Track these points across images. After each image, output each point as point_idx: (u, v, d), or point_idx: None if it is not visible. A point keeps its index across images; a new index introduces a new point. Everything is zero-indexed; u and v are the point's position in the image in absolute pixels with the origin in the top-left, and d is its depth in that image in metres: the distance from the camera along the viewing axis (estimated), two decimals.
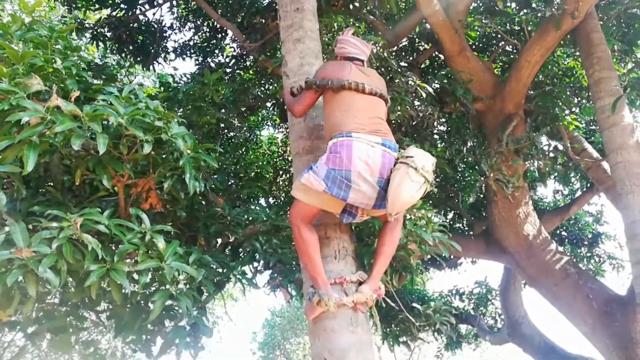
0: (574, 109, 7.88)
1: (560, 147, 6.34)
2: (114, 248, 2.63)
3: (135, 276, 2.54)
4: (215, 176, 3.89)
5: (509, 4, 7.20)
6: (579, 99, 7.55)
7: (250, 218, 4.13)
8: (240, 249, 4.14)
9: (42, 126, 2.07)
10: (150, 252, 2.52)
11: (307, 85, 2.79)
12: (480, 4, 6.89)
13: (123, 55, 8.11)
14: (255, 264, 4.12)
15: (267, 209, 4.33)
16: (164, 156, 2.71)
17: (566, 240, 10.62)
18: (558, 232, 10.45)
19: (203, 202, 3.68)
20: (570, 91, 7.17)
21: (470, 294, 11.08)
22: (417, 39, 7.44)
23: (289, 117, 3.31)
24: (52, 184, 2.68)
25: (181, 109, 4.06)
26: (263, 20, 6.16)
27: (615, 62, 6.89)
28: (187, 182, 2.62)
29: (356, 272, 2.78)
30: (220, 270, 3.55)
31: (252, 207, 5.46)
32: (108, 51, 8.33)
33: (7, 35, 2.38)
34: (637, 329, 5.02)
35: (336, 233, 2.84)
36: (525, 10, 6.66)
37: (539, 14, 5.69)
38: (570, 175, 9.49)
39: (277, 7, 3.78)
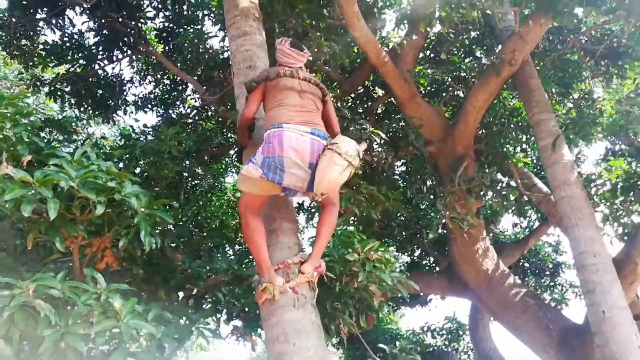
0: (523, 146, 8.33)
1: (513, 184, 6.67)
2: (69, 309, 2.61)
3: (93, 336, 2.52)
4: (174, 230, 3.91)
5: (456, 52, 7.69)
6: (527, 136, 8.00)
7: (212, 269, 4.14)
8: (203, 301, 4.12)
9: None
10: (107, 312, 2.51)
11: (248, 87, 3.08)
12: (429, 54, 7.33)
13: (82, 109, 8.12)
14: (219, 315, 4.10)
15: (229, 259, 4.34)
16: (119, 214, 2.75)
17: (529, 271, 10.91)
18: (521, 263, 10.73)
19: (159, 257, 3.68)
20: (518, 129, 7.61)
21: (441, 330, 11.13)
22: (371, 87, 7.80)
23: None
24: (3, 248, 2.67)
25: (139, 165, 4.11)
26: (222, 73, 6.35)
27: (554, 103, 7.41)
28: (143, 240, 2.65)
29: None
30: (182, 323, 3.53)
31: (217, 256, 5.45)
32: (66, 105, 8.32)
33: None
34: (595, 356, 5.18)
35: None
36: (469, 59, 7.13)
37: (482, 62, 6.11)
38: (526, 208, 9.89)
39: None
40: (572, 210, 4.96)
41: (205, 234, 4.79)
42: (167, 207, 3.03)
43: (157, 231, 3.05)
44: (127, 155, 4.11)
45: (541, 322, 5.82)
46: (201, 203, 6.97)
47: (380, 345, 5.67)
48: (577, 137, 5.54)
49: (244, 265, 4.44)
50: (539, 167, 8.88)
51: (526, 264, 10.91)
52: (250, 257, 7.52)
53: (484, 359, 8.24)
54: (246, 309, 3.92)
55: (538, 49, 6.83)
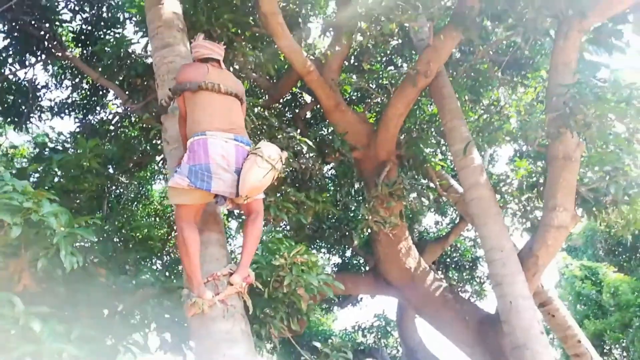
0: (442, 149, 8.88)
1: (432, 185, 7.12)
2: None
3: None
4: (96, 247, 3.81)
5: (378, 61, 8.05)
6: (444, 141, 8.54)
7: (139, 283, 4.08)
8: (130, 317, 4.05)
9: None
10: (25, 336, 2.44)
11: (173, 94, 3.12)
12: (352, 62, 7.61)
13: None
14: (146, 330, 4.05)
15: (156, 272, 4.30)
16: (36, 234, 2.68)
17: (451, 266, 11.61)
18: (443, 259, 11.38)
19: (84, 274, 3.58)
20: (437, 133, 8.11)
21: (371, 328, 11.55)
22: (299, 93, 7.97)
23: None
24: None
25: (56, 178, 3.96)
26: (145, 81, 6.22)
27: (467, 109, 7.98)
28: (63, 260, 2.60)
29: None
30: (108, 342, 3.47)
31: (143, 270, 5.34)
32: None
33: None
34: (505, 343, 5.67)
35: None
36: (390, 68, 7.50)
37: (401, 72, 6.47)
38: (446, 207, 10.54)
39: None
40: (482, 210, 5.41)
41: (130, 246, 4.68)
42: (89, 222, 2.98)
43: (78, 248, 2.99)
44: (42, 170, 3.94)
45: (458, 314, 6.26)
46: (126, 215, 6.76)
47: (314, 343, 5.87)
48: (484, 141, 6.03)
49: (173, 277, 4.41)
50: (455, 170, 9.51)
51: (447, 260, 11.60)
52: (179, 266, 7.42)
53: (410, 353, 8.67)
54: (176, 320, 3.91)
55: (451, 59, 7.33)
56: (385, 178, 6.08)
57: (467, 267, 11.75)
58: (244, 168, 2.84)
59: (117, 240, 5.16)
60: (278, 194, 4.86)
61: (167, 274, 4.21)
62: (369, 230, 6.72)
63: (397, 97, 6.19)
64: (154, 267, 4.88)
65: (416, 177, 6.53)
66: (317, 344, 5.93)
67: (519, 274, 5.08)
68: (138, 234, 5.37)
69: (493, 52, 7.44)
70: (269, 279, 3.69)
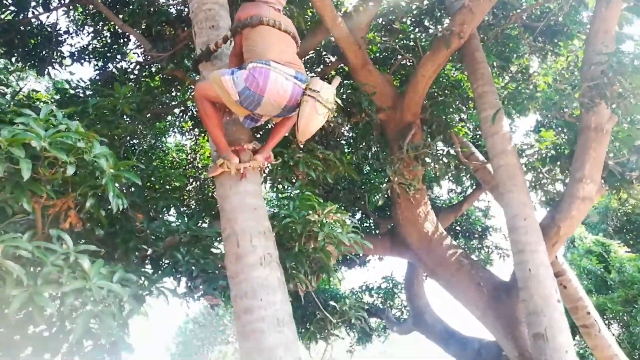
0: (462, 117, 8.79)
1: (452, 152, 7.08)
2: (32, 270, 2.56)
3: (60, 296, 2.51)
4: (132, 190, 3.85)
5: (405, 21, 7.85)
6: (466, 107, 8.43)
7: (169, 230, 4.14)
8: (160, 262, 4.13)
9: None
10: (75, 272, 2.50)
11: (233, 32, 3.13)
12: (381, 22, 7.42)
13: (13, 59, 7.51)
14: (177, 275, 4.13)
15: (185, 219, 4.35)
16: (84, 175, 2.70)
17: (460, 234, 11.70)
18: (453, 227, 11.47)
19: (120, 218, 3.64)
20: (459, 100, 8.00)
21: (378, 289, 11.77)
22: (323, 52, 7.81)
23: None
24: None
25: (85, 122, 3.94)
26: (172, 30, 6.10)
27: (494, 76, 7.82)
28: (111, 201, 2.63)
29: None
30: (142, 284, 3.55)
31: (166, 217, 5.41)
32: None
33: None
34: (520, 310, 5.78)
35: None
36: (418, 29, 7.32)
37: (432, 33, 6.31)
38: (462, 175, 10.53)
39: (187, 17, 3.90)
40: (508, 177, 5.39)
41: (158, 195, 4.72)
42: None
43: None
44: (77, 113, 3.93)
45: (473, 279, 6.36)
46: (155, 164, 6.78)
47: (331, 302, 6.03)
48: (515, 110, 5.95)
49: (199, 225, 4.47)
50: (475, 137, 9.44)
51: (458, 227, 11.68)
52: (204, 217, 7.51)
53: (418, 315, 8.87)
54: (205, 269, 3.98)
55: (482, 23, 7.14)
56: (410, 141, 6.04)
57: (476, 235, 11.86)
58: (304, 114, 2.87)
59: (147, 187, 5.21)
60: (306, 151, 4.85)
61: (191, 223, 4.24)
62: (388, 194, 6.75)
63: (427, 58, 6.07)
64: (183, 216, 4.92)
65: (442, 142, 6.47)
66: (334, 304, 6.12)
67: (541, 242, 5.12)
68: (162, 183, 5.39)
69: (526, 18, 7.23)
70: (301, 233, 3.74)
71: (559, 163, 6.54)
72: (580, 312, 6.54)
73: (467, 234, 11.80)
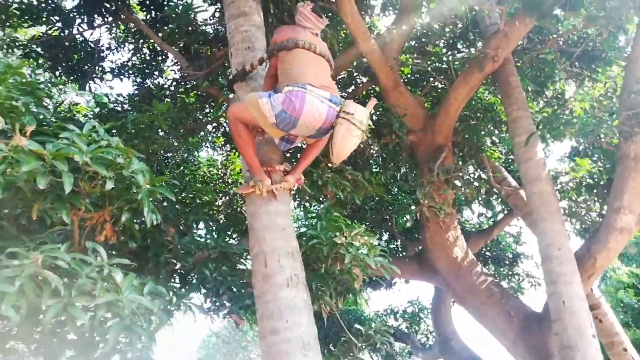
0: (494, 140, 8.65)
1: (484, 176, 6.96)
2: (66, 281, 2.63)
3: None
4: (165, 204, 3.93)
5: (437, 44, 7.84)
6: (498, 130, 8.31)
7: (199, 245, 4.19)
8: (188, 276, 4.18)
9: (4, 165, 2.09)
10: (108, 285, 2.55)
11: (269, 54, 3.21)
12: (414, 44, 7.44)
13: (57, 73, 7.84)
14: (204, 291, 4.17)
15: (214, 235, 4.40)
16: (121, 189, 2.77)
17: (489, 260, 11.40)
18: (482, 252, 11.20)
19: (152, 231, 3.70)
20: (491, 124, 7.89)
21: (404, 313, 11.55)
22: (355, 72, 7.87)
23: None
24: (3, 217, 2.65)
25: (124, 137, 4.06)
26: (209, 49, 6.27)
27: (529, 100, 7.70)
28: (145, 215, 2.69)
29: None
30: (170, 299, 3.59)
31: (195, 232, 5.48)
32: (41, 70, 8.02)
33: None
34: (552, 342, 5.57)
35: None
36: (451, 52, 7.30)
37: (465, 56, 6.29)
38: (493, 199, 10.31)
39: (223, 36, 4.00)
40: (542, 204, 5.26)
41: (189, 209, 4.80)
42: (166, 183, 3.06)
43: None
44: (116, 128, 4.05)
45: (503, 308, 6.17)
46: (187, 179, 6.91)
47: (356, 325, 5.94)
48: (551, 135, 5.83)
49: (227, 241, 4.50)
50: (507, 162, 9.26)
51: (487, 253, 11.40)
52: (230, 232, 7.57)
53: (444, 341, 8.65)
54: (232, 287, 4.00)
55: (517, 47, 7.07)
56: (440, 164, 5.97)
57: (506, 262, 11.54)
58: (338, 136, 2.93)
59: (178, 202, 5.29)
60: (335, 172, 4.85)
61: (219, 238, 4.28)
62: (417, 216, 6.67)
63: (460, 81, 6.03)
64: (213, 232, 4.98)
65: (473, 166, 6.38)
66: (359, 326, 6.03)
67: (575, 274, 4.95)
68: (192, 197, 5.48)
69: (562, 43, 7.12)
70: (327, 254, 3.72)
71: (595, 192, 6.35)
72: (617, 348, 6.25)
73: (497, 260, 11.49)
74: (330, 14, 6.28)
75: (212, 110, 8.84)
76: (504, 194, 7.24)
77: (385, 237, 11.35)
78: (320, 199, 5.19)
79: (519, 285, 11.36)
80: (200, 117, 8.90)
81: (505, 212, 9.80)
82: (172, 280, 4.19)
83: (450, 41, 7.83)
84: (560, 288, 4.86)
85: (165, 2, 7.52)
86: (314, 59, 3.11)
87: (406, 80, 8.22)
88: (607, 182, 5.93)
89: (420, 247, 7.50)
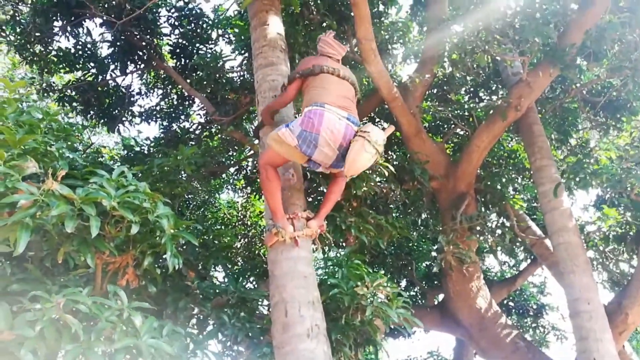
0: (517, 188, 8.53)
1: (507, 224, 6.82)
2: (86, 324, 2.62)
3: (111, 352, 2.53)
4: (185, 247, 3.94)
5: (459, 92, 7.93)
6: (521, 177, 8.21)
7: (217, 290, 4.16)
8: (206, 322, 4.12)
9: (35, 208, 2.14)
10: (127, 328, 2.53)
11: (290, 79, 3.38)
12: (436, 92, 7.54)
13: (88, 116, 8.15)
14: (222, 337, 4.10)
15: (233, 280, 4.37)
16: (145, 233, 2.79)
17: (513, 310, 11.01)
18: (505, 302, 10.83)
19: (173, 275, 3.70)
20: (514, 171, 7.81)
21: None
22: (377, 118, 7.96)
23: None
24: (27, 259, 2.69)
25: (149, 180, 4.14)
26: (235, 95, 6.46)
27: (553, 149, 7.64)
28: (168, 260, 2.70)
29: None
30: (187, 344, 3.53)
31: (213, 273, 5.45)
32: (74, 113, 8.34)
33: (2, 118, 2.48)
34: None
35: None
36: (473, 100, 7.35)
37: (487, 105, 6.32)
38: (516, 248, 10.06)
39: (249, 83, 4.12)
40: (569, 256, 5.10)
41: (208, 253, 4.80)
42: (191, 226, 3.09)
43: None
44: (142, 172, 4.14)
45: None
46: (208, 223, 6.95)
47: None
48: (577, 185, 5.73)
49: (245, 285, 4.46)
50: (531, 209, 9.08)
51: (510, 303, 11.02)
52: (249, 276, 7.51)
53: None
54: (250, 335, 3.92)
55: (541, 96, 7.08)
56: (463, 211, 5.89)
57: (530, 313, 11.12)
58: (353, 150, 3.00)
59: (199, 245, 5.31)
60: (359, 216, 4.82)
61: (243, 283, 4.25)
62: (440, 264, 6.53)
63: (483, 129, 6.04)
64: (233, 276, 4.95)
65: (496, 213, 6.28)
66: None
67: (606, 330, 4.73)
68: (218, 242, 5.50)
69: (586, 92, 7.12)
70: (349, 305, 3.64)
71: (624, 243, 6.15)
72: None
73: (521, 310, 11.08)
74: (353, 62, 6.45)
75: (235, 154, 9.00)
76: (528, 243, 7.06)
77: (404, 283, 11.12)
78: (341, 243, 5.14)
79: (544, 337, 10.90)
80: (223, 160, 9.06)
81: (529, 260, 9.53)
82: (190, 324, 4.14)
83: (472, 89, 7.91)
84: (590, 345, 4.63)
85: (195, 51, 7.87)
86: (338, 82, 3.26)
87: (428, 126, 8.28)
88: (637, 233, 5.75)
89: (440, 296, 7.29)
